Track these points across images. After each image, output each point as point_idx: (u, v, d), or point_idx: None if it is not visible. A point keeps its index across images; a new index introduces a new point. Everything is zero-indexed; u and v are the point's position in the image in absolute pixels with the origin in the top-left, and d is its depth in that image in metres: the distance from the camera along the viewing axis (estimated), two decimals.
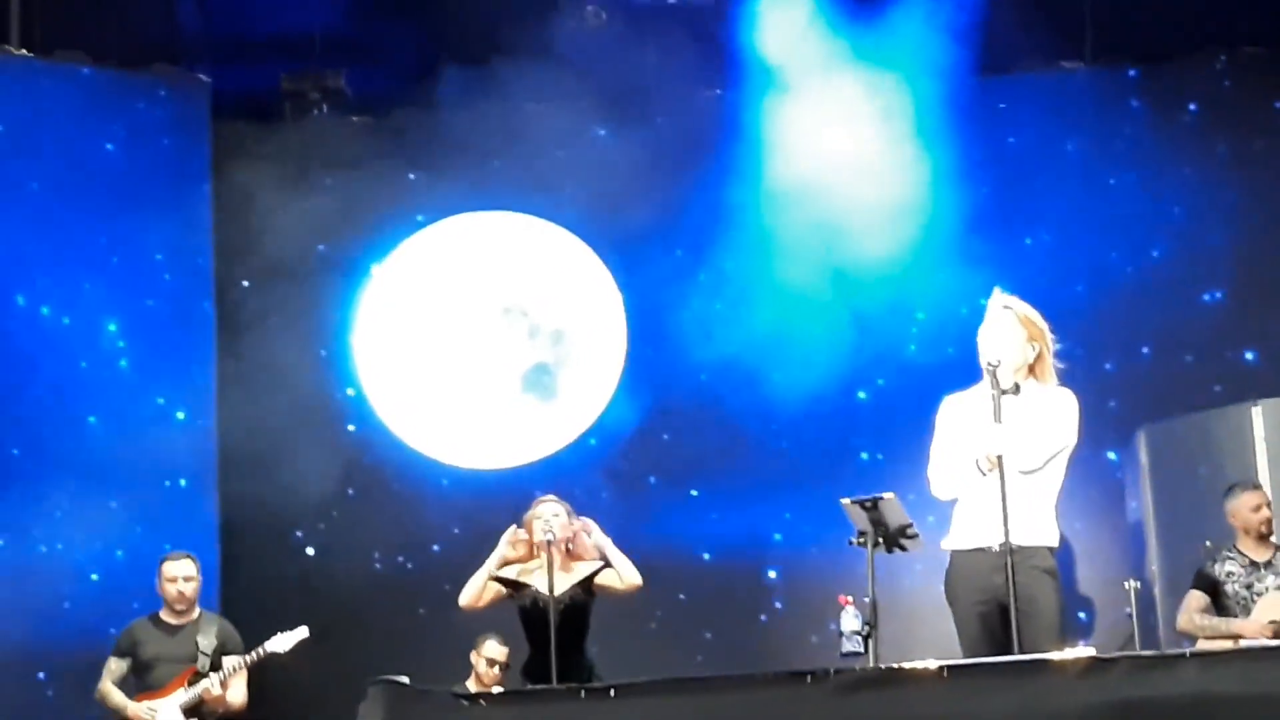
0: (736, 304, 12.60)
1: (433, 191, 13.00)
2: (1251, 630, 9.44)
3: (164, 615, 10.34)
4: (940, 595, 7.86)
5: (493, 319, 13.19)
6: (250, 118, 13.04)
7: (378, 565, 12.77)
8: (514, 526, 9.37)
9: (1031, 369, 7.73)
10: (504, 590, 9.39)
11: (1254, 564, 9.71)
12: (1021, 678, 5.93)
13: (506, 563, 9.40)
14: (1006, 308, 7.78)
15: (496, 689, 10.54)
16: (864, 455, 12.53)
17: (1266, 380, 11.93)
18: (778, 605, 12.63)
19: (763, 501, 12.54)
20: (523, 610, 9.30)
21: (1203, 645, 9.58)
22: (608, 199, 12.68)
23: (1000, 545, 7.30)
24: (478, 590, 9.35)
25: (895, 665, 6.17)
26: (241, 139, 12.83)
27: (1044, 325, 7.77)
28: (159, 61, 12.81)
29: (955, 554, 7.71)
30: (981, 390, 7.65)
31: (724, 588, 12.46)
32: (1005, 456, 7.37)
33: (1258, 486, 10.11)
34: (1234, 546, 9.83)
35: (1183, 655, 5.96)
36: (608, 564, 9.34)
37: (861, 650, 7.48)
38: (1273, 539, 9.85)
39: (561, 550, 9.26)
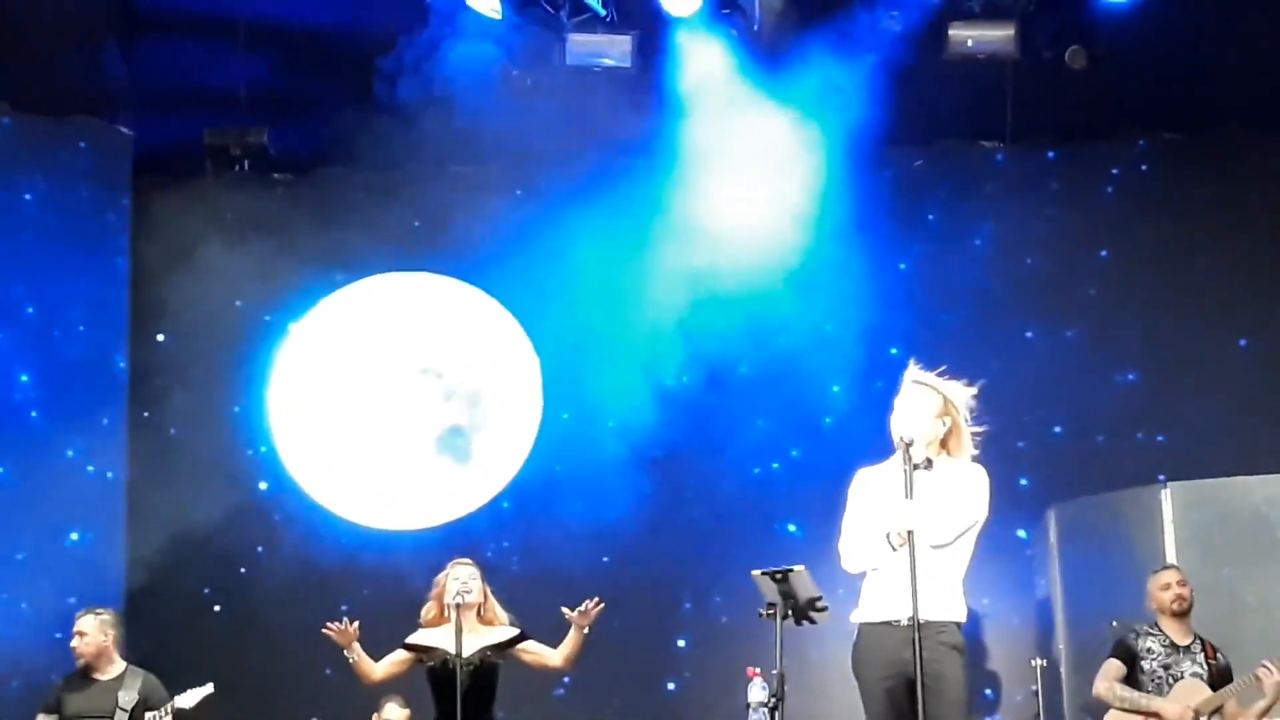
0: (653, 370, 12.61)
1: (352, 251, 12.97)
2: (1172, 713, 9.44)
3: (86, 670, 10.24)
4: (848, 668, 7.84)
5: (409, 380, 13.17)
6: (171, 172, 12.98)
7: (286, 623, 12.65)
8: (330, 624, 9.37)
9: (944, 443, 7.74)
10: (410, 658, 9.37)
11: (1175, 646, 9.72)
12: None
13: (422, 622, 9.41)
14: (919, 383, 7.79)
15: None
16: (777, 526, 12.54)
17: (1177, 462, 12.04)
18: (686, 674, 12.61)
19: (674, 569, 12.54)
20: (431, 672, 9.28)
21: (1113, 716, 9.61)
22: (526, 262, 12.72)
23: (908, 619, 7.28)
24: (368, 672, 9.45)
25: None
26: (162, 193, 12.78)
27: (959, 400, 7.77)
28: (81, 113, 12.75)
29: (863, 627, 7.68)
30: (894, 464, 7.65)
31: (633, 655, 12.43)
32: (916, 532, 7.37)
33: (1172, 567, 10.17)
34: (1156, 625, 9.84)
35: None
36: (524, 635, 9.35)
37: None
38: (1192, 625, 9.85)
39: (474, 614, 9.27)
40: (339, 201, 12.87)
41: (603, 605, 9.44)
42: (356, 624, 9.47)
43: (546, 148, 12.38)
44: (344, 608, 12.37)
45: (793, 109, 11.96)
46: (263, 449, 13.13)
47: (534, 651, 9.46)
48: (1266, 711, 9.46)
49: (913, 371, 7.82)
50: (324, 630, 9.49)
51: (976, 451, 7.76)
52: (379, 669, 9.53)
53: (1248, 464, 11.44)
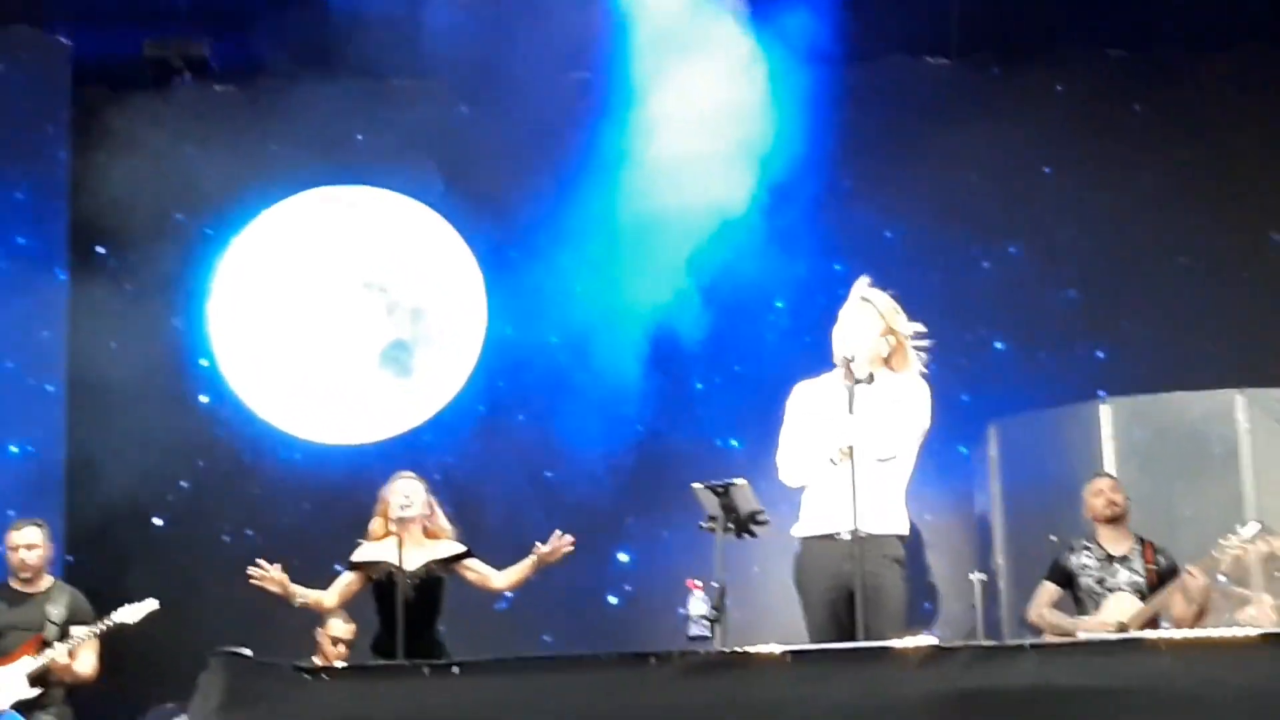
0: (597, 287, 12.60)
1: (294, 164, 12.88)
2: (1094, 630, 9.52)
3: (12, 584, 10.20)
4: (788, 581, 7.89)
5: (351, 294, 13.11)
6: (111, 84, 12.84)
7: (226, 538, 12.65)
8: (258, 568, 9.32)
9: (888, 360, 7.78)
10: (361, 577, 9.37)
11: (1109, 557, 9.78)
12: (863, 664, 5.95)
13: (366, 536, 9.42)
14: (865, 300, 7.81)
15: (340, 664, 10.48)
16: (719, 441, 12.56)
17: (1116, 378, 12.11)
18: (627, 588, 12.65)
19: (616, 484, 12.56)
20: (376, 586, 9.30)
21: (1048, 640, 9.68)
22: (471, 177, 12.66)
23: (850, 533, 7.34)
24: (319, 602, 9.45)
25: (739, 649, 6.18)
26: (102, 105, 12.63)
27: (903, 317, 7.81)
28: (19, 23, 12.59)
29: (805, 541, 7.74)
30: (834, 379, 7.68)
31: (574, 569, 12.40)
32: (857, 448, 7.40)
33: (1103, 474, 10.25)
34: (1091, 538, 9.91)
35: (1022, 646, 6.01)
36: (469, 553, 9.37)
37: (708, 634, 7.48)
38: (1129, 527, 9.92)
39: (418, 527, 9.27)
40: (281, 114, 12.72)
41: (573, 546, 9.45)
42: (277, 565, 9.41)
43: (492, 61, 12.30)
44: (285, 521, 12.51)
45: (739, 27, 11.92)
46: (203, 362, 13.07)
47: (477, 570, 9.48)
48: (1202, 612, 9.55)
49: (862, 287, 7.83)
50: (253, 583, 9.44)
51: (924, 369, 7.81)
52: (331, 597, 9.52)
53: (1186, 380, 11.52)
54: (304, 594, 9.45)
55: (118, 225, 12.41)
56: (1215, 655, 5.83)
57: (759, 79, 12.01)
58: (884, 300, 7.83)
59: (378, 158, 12.90)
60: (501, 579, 9.50)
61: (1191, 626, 9.52)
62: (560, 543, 9.37)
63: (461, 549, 9.40)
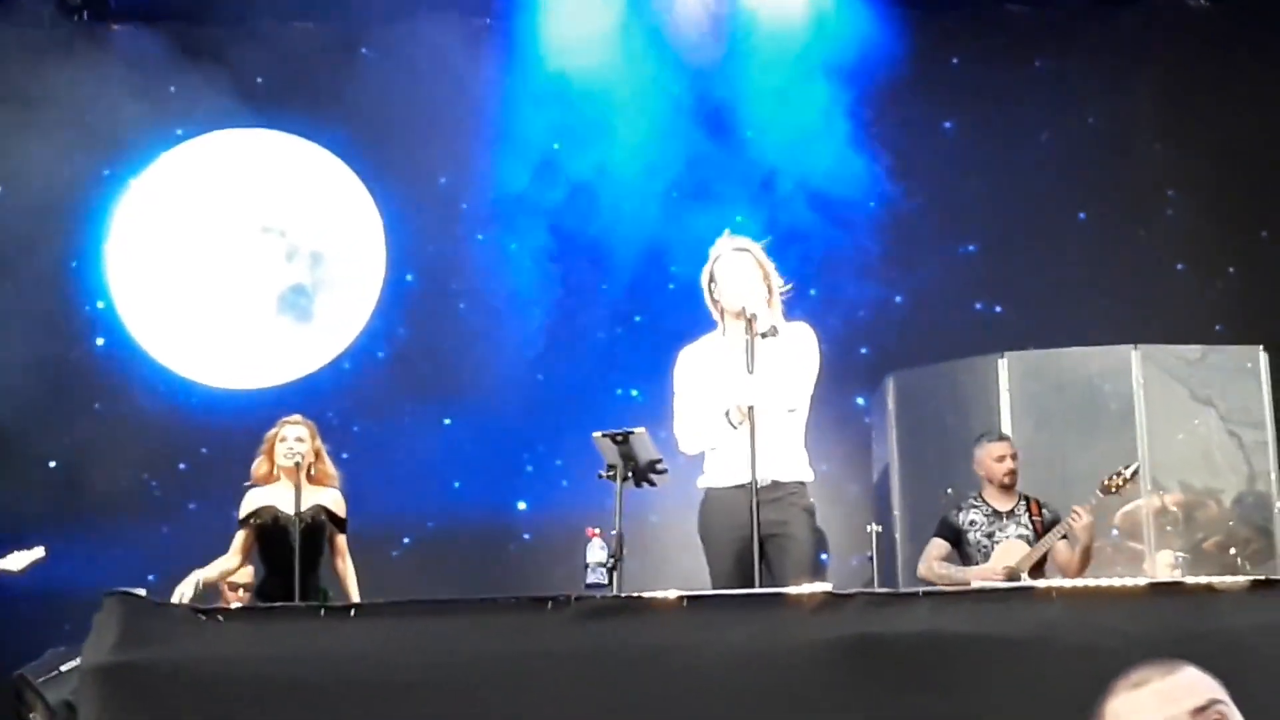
0: (498, 234, 12.59)
1: (194, 105, 12.74)
2: (986, 577, 9.59)
3: None
4: (686, 530, 7.91)
5: (250, 238, 13.02)
6: (9, 21, 12.67)
7: (122, 482, 12.54)
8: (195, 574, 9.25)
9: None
10: (255, 530, 9.31)
11: (996, 513, 9.85)
12: (758, 610, 5.97)
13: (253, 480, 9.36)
14: (743, 250, 7.78)
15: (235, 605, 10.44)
16: (619, 391, 12.57)
17: (1014, 332, 12.19)
18: (526, 536, 12.64)
19: (516, 433, 12.55)
20: (261, 530, 9.24)
21: (942, 587, 9.75)
22: (372, 121, 12.60)
23: (764, 482, 7.35)
24: (218, 570, 9.33)
25: (635, 594, 6.20)
26: (0, 42, 12.49)
27: (773, 265, 7.81)
28: None
29: (711, 490, 7.72)
30: (719, 338, 7.68)
31: (474, 517, 12.45)
32: (757, 406, 7.40)
33: (1004, 437, 10.28)
34: (979, 495, 9.97)
35: (915, 594, 6.05)
36: (344, 527, 9.31)
37: (606, 582, 7.49)
38: (1017, 489, 10.01)
39: (304, 472, 9.22)
40: (181, 55, 12.58)
41: None
42: (193, 577, 9.28)
43: (394, 5, 12.25)
44: (182, 466, 12.44)
45: None
46: (100, 305, 12.95)
47: (340, 551, 9.40)
48: (1087, 551, 9.65)
49: (731, 240, 7.80)
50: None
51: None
52: (234, 559, 9.43)
53: (1083, 336, 11.63)
54: (207, 573, 9.34)
55: (14, 165, 12.26)
56: (1104, 604, 5.90)
57: (654, 21, 12.07)
58: (759, 250, 7.80)
59: (278, 100, 12.80)
60: (349, 577, 9.40)
61: (1079, 567, 9.63)
62: None
63: (342, 514, 9.33)
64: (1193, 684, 3.42)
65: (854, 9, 12.55)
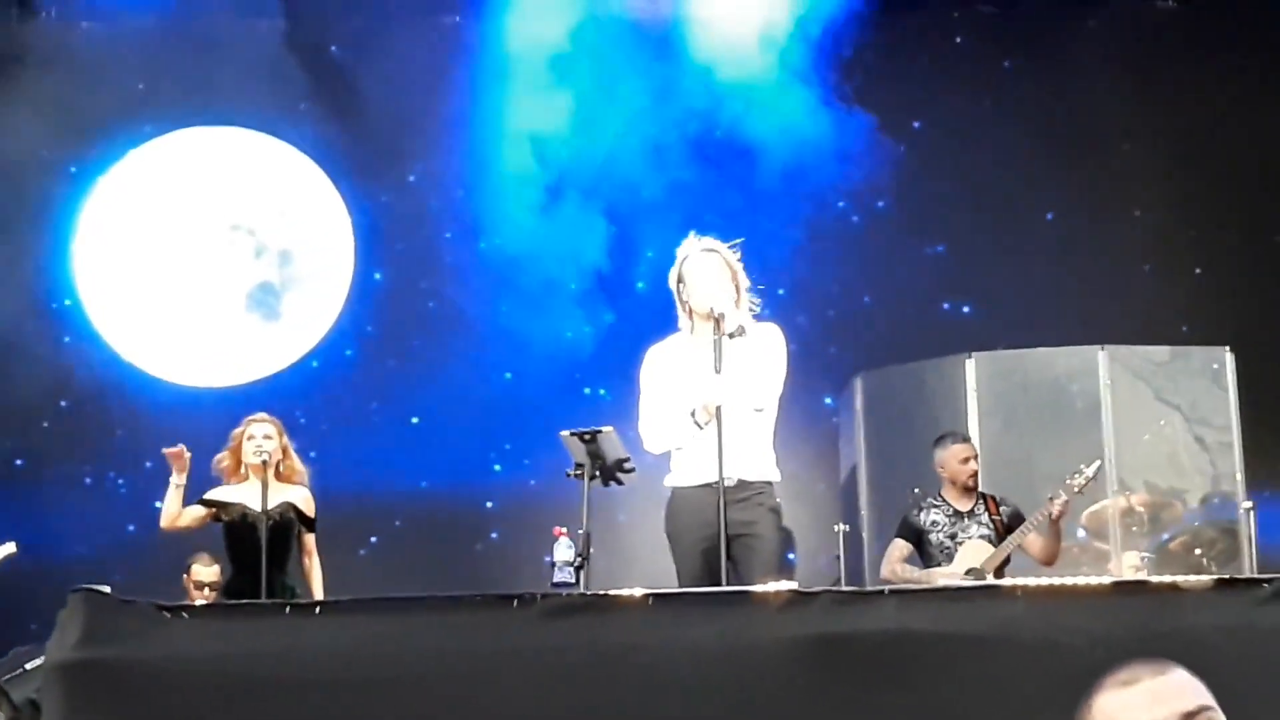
0: (467, 232, 12.59)
1: (162, 103, 12.74)
2: (950, 579, 9.60)
3: None
4: (654, 529, 7.91)
5: (219, 236, 13.00)
6: None
7: (88, 480, 12.53)
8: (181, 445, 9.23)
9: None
10: (208, 513, 9.29)
11: (958, 513, 9.85)
12: (724, 608, 5.98)
13: (218, 474, 9.33)
14: (711, 250, 7.78)
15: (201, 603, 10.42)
16: (587, 390, 12.57)
17: (981, 333, 12.22)
18: (494, 535, 12.65)
19: (484, 432, 12.55)
20: (229, 527, 9.23)
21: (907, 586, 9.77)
22: (341, 120, 12.59)
23: (729, 481, 7.35)
24: (173, 515, 9.26)
25: (602, 592, 6.21)
26: None
27: (741, 266, 7.81)
28: None
29: (678, 490, 7.72)
30: (684, 339, 7.69)
31: (441, 516, 12.45)
32: (725, 407, 7.40)
33: (967, 439, 10.29)
34: (939, 495, 9.97)
35: (880, 592, 6.06)
36: (312, 526, 9.29)
37: (573, 580, 7.50)
38: (978, 490, 10.03)
39: (272, 470, 9.20)
40: (149, 52, 12.59)
41: None
42: (190, 455, 9.30)
43: (362, 4, 12.25)
44: (148, 464, 12.40)
45: None
46: (67, 302, 12.93)
47: (308, 549, 9.39)
48: (1057, 531, 9.67)
49: (698, 241, 7.80)
50: (163, 450, 9.31)
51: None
52: (183, 516, 9.38)
53: (1050, 336, 11.67)
54: (180, 486, 9.28)
55: None
56: (1068, 602, 5.92)
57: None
58: (726, 250, 7.81)
59: (247, 99, 12.77)
60: (316, 577, 9.39)
61: (1055, 548, 9.65)
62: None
63: (310, 513, 9.32)
64: (1183, 686, 3.40)
65: (823, 9, 12.55)
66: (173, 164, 13.04)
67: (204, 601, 10.64)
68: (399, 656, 5.76)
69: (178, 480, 9.24)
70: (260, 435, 9.28)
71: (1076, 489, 9.67)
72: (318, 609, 6.03)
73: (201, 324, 12.89)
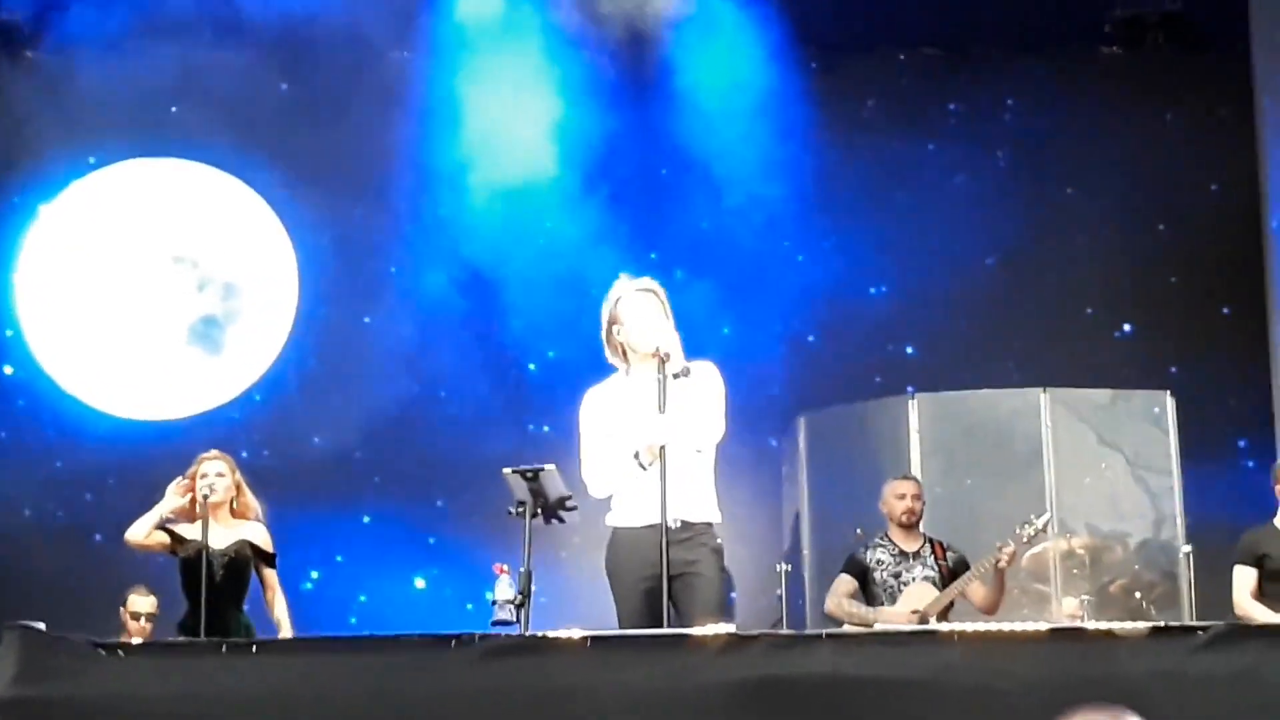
0: (411, 268, 12.60)
1: (107, 134, 12.71)
2: (894, 620, 9.62)
3: None
4: (596, 568, 7.88)
5: (162, 268, 12.96)
6: None
7: (27, 512, 12.44)
8: (180, 478, 9.18)
9: None
10: (167, 539, 9.22)
11: (903, 554, 9.87)
12: (662, 651, 5.98)
13: (174, 514, 9.25)
14: (648, 290, 7.74)
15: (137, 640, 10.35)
16: (530, 426, 12.56)
17: (924, 374, 12.27)
18: (435, 571, 12.61)
19: (428, 467, 12.53)
20: (185, 563, 9.15)
21: (850, 628, 9.77)
22: (287, 153, 12.59)
23: (671, 523, 7.33)
24: (145, 531, 9.16)
25: (540, 633, 6.20)
26: None
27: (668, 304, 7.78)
28: None
29: (619, 530, 7.67)
30: (622, 380, 7.67)
31: (382, 551, 12.41)
32: (671, 444, 7.38)
33: (910, 477, 10.33)
34: (885, 535, 10.00)
35: (819, 636, 6.07)
36: (273, 561, 9.24)
37: (513, 619, 7.46)
38: (921, 529, 10.04)
39: (225, 508, 9.16)
40: (93, 83, 12.54)
41: None
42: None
43: (311, 36, 12.23)
44: (88, 497, 12.34)
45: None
46: (8, 333, 12.86)
47: (270, 585, 9.32)
48: (1001, 582, 9.69)
49: (633, 281, 7.75)
50: (177, 483, 9.17)
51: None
52: (151, 535, 9.25)
53: (992, 378, 11.72)
54: (169, 509, 9.18)
55: None
56: (1004, 648, 5.94)
57: (578, 64, 12.13)
58: (661, 290, 7.77)
59: (193, 131, 12.74)
60: (280, 610, 9.33)
61: (997, 599, 9.67)
62: None
63: (269, 548, 9.26)
64: None
65: (767, 48, 12.60)
66: (116, 195, 13.00)
67: (140, 633, 10.62)
68: (336, 698, 5.75)
69: (166, 510, 9.17)
70: (213, 473, 9.22)
71: (1025, 539, 9.71)
72: (254, 648, 6.01)
73: (144, 356, 12.84)
